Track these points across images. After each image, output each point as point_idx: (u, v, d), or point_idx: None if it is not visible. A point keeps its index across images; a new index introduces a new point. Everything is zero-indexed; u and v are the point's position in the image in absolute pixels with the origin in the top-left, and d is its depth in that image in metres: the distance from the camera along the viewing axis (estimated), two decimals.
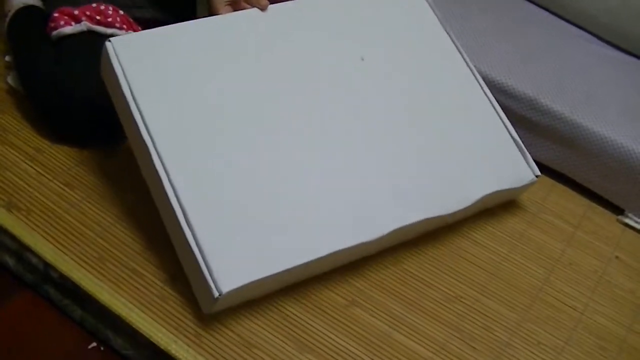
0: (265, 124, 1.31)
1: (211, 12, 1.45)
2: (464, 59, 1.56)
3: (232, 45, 1.37)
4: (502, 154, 1.49)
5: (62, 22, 1.51)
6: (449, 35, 1.57)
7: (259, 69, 1.36)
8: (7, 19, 1.67)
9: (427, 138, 1.43)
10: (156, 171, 1.21)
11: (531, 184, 1.51)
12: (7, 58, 1.63)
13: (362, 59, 1.45)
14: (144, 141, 1.23)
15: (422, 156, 1.41)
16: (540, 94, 1.70)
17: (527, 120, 1.72)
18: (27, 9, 1.67)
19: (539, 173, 1.52)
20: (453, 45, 1.56)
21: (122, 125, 1.31)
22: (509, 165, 1.49)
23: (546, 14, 1.96)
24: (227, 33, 1.37)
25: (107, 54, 1.28)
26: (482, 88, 1.54)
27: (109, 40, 1.29)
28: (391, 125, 1.41)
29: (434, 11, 1.58)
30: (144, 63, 1.29)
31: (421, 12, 1.58)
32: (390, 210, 1.32)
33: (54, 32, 1.51)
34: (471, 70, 1.55)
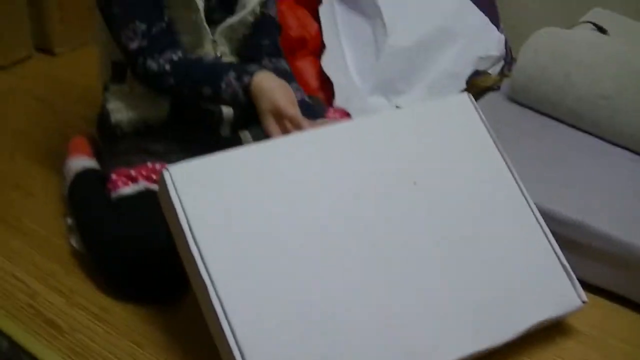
0: (321, 249, 1.32)
1: (264, 132, 1.49)
2: (517, 183, 1.56)
3: (286, 171, 1.37)
4: (551, 280, 1.48)
5: (120, 183, 1.58)
6: (503, 159, 1.57)
7: (313, 193, 1.37)
8: (67, 182, 1.74)
9: (476, 265, 1.42)
10: (211, 302, 1.22)
11: (578, 309, 1.50)
12: (68, 221, 1.68)
13: (415, 183, 1.45)
14: (199, 273, 1.24)
15: (470, 284, 1.40)
16: (588, 218, 1.71)
17: (576, 243, 1.72)
18: (86, 172, 1.75)
19: (585, 299, 1.50)
20: (507, 169, 1.56)
21: (180, 253, 1.32)
22: (557, 292, 1.47)
23: (592, 139, 1.98)
24: (281, 158, 1.38)
25: (165, 182, 1.30)
26: (532, 212, 1.54)
27: (166, 169, 1.31)
28: (441, 251, 1.41)
29: (489, 133, 1.59)
30: (201, 191, 1.30)
31: (477, 133, 1.58)
32: (436, 345, 1.31)
33: (114, 193, 1.57)
34: (523, 194, 1.55)
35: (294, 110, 1.46)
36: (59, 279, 1.57)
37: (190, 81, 1.55)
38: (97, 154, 1.83)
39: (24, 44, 2.48)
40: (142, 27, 1.55)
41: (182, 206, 1.28)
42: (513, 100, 2.07)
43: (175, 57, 1.55)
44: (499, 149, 1.57)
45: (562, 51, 2.02)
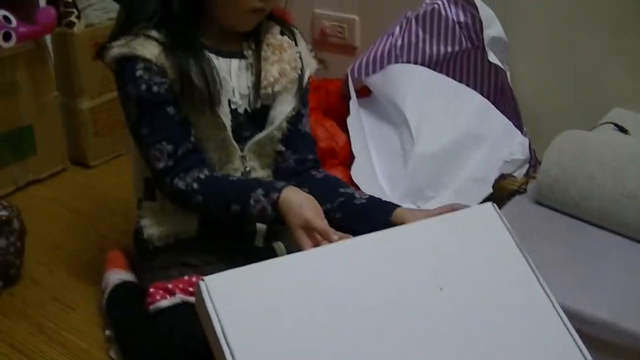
0: (351, 357, 1.33)
1: (295, 245, 1.52)
2: (542, 288, 1.55)
3: (317, 281, 1.39)
4: None
5: (158, 297, 1.61)
6: (529, 264, 1.57)
7: (343, 302, 1.38)
8: (105, 295, 1.77)
9: None
10: None
11: None
12: (107, 333, 1.71)
13: (441, 289, 1.46)
14: None
15: None
16: (618, 317, 1.71)
17: (607, 343, 1.72)
18: (123, 284, 1.78)
19: None
20: (532, 274, 1.56)
21: None
22: None
23: (620, 238, 1.96)
24: (313, 269, 1.40)
25: (201, 293, 1.32)
26: (558, 314, 1.53)
27: (203, 280, 1.33)
28: (467, 356, 1.41)
29: (514, 240, 1.59)
30: (236, 301, 1.32)
31: (502, 240, 1.58)
32: None
33: (152, 307, 1.60)
34: (549, 297, 1.54)
35: (322, 223, 1.49)
36: None
37: (219, 199, 1.59)
38: (134, 266, 1.87)
39: (60, 157, 2.56)
40: (169, 148, 1.59)
41: (217, 316, 1.30)
42: (539, 202, 2.07)
43: (202, 176, 1.60)
44: (524, 255, 1.58)
45: (585, 153, 2.03)
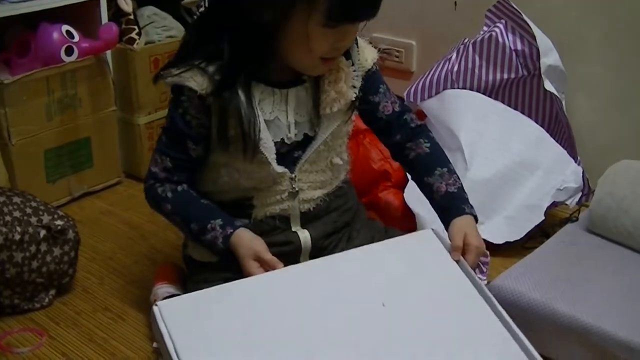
0: None
1: (245, 274, 1.60)
2: (488, 303, 1.57)
3: (267, 303, 1.49)
4: None
5: None
6: (471, 282, 1.60)
7: (292, 322, 1.46)
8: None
9: None
10: None
11: None
12: (154, 344, 1.73)
13: (383, 305, 1.52)
14: None
15: None
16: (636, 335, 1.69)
17: None
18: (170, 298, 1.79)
19: None
20: (475, 290, 1.59)
21: None
22: None
23: None
24: (262, 292, 1.51)
25: (155, 317, 1.43)
26: (502, 322, 1.53)
27: (156, 305, 1.44)
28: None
29: (452, 259, 1.64)
30: (188, 324, 1.42)
31: (440, 259, 1.64)
32: None
33: None
34: (491, 305, 1.56)
35: (270, 256, 1.60)
36: None
37: (183, 214, 1.70)
38: (184, 282, 1.89)
39: (115, 170, 2.60)
40: (169, 165, 1.70)
41: (170, 338, 1.39)
42: (591, 231, 2.06)
43: (179, 189, 1.70)
44: (466, 274, 1.62)
45: (639, 183, 2.01)
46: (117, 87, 2.55)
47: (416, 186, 1.84)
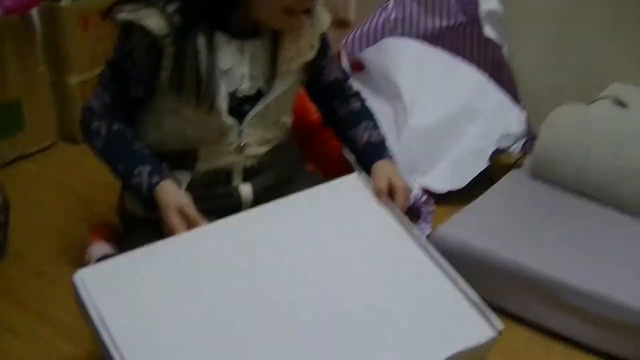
0: (229, 332, 1.36)
1: (165, 227, 1.55)
2: (415, 241, 1.57)
3: (193, 264, 1.45)
4: (459, 316, 1.48)
5: None
6: (399, 223, 1.60)
7: (223, 280, 1.44)
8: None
9: (375, 314, 1.45)
10: None
11: (493, 340, 1.47)
12: None
13: (314, 255, 1.52)
14: None
15: (371, 333, 1.41)
16: (618, 293, 1.68)
17: (603, 317, 1.69)
18: (105, 258, 1.73)
19: (501, 327, 1.46)
20: (403, 230, 1.59)
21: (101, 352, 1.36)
22: (467, 327, 1.47)
23: (617, 214, 1.94)
24: (189, 252, 1.47)
25: (76, 286, 1.38)
26: (431, 258, 1.55)
27: (77, 273, 1.39)
28: (341, 307, 1.44)
29: (379, 203, 1.63)
30: (112, 290, 1.38)
31: (367, 204, 1.64)
32: None
33: None
34: (418, 243, 1.57)
35: (195, 212, 1.55)
36: None
37: (113, 153, 1.64)
38: (119, 240, 1.84)
39: (48, 133, 2.53)
40: (107, 100, 1.64)
41: (94, 306, 1.35)
42: (535, 176, 2.06)
43: (114, 127, 1.63)
44: (393, 216, 1.61)
45: (583, 127, 2.02)
46: (46, 47, 2.47)
47: None
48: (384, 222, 1.61)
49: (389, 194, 1.63)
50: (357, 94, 1.84)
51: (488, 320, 1.47)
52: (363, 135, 1.75)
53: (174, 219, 1.53)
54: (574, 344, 1.72)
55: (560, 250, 1.79)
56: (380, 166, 1.69)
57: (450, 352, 1.41)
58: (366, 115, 1.80)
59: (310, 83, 1.80)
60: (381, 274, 1.51)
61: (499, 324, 1.47)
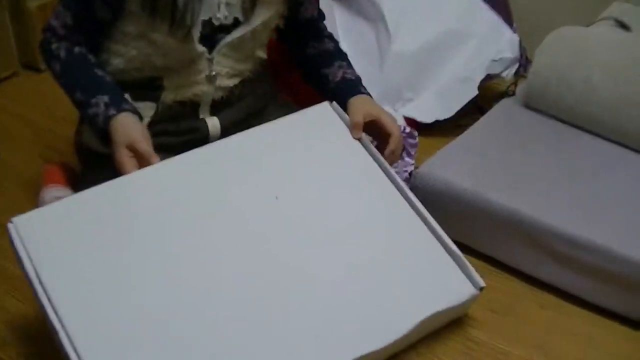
0: (177, 279, 1.33)
1: (115, 163, 1.49)
2: (393, 183, 1.55)
3: (138, 206, 1.42)
4: (440, 272, 1.47)
5: None
6: (375, 160, 1.58)
7: (169, 222, 1.40)
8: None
9: (356, 267, 1.42)
10: (63, 346, 1.24)
11: (474, 297, 1.47)
12: None
13: (276, 198, 1.47)
14: (50, 319, 1.25)
15: (348, 289, 1.39)
16: (613, 243, 1.59)
17: (601, 269, 1.60)
18: None
19: (482, 284, 1.46)
20: (380, 170, 1.57)
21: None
22: (448, 283, 1.46)
23: (616, 147, 1.89)
24: (134, 193, 1.44)
25: (11, 235, 1.34)
26: (410, 204, 1.53)
27: (11, 222, 1.35)
28: (317, 257, 1.42)
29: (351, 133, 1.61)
30: (48, 238, 1.34)
31: (340, 136, 1.60)
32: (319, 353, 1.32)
33: None
34: (397, 187, 1.55)
35: (146, 147, 1.48)
36: None
37: (71, 79, 1.59)
38: (76, 181, 1.78)
39: (8, 61, 2.43)
40: (69, 20, 1.57)
41: (28, 256, 1.31)
42: (529, 106, 2.00)
43: (75, 50, 1.58)
44: (369, 152, 1.59)
45: (582, 52, 1.95)
46: None
47: None
48: (359, 160, 1.58)
49: (380, 136, 1.62)
50: (330, 36, 1.81)
51: (469, 276, 1.47)
52: (337, 72, 1.73)
53: (122, 156, 1.47)
54: (568, 297, 1.67)
55: (556, 193, 1.72)
56: (357, 100, 1.66)
57: (429, 312, 1.40)
58: (340, 55, 1.78)
59: (287, 19, 1.75)
60: (355, 224, 1.48)
61: (480, 280, 1.47)
